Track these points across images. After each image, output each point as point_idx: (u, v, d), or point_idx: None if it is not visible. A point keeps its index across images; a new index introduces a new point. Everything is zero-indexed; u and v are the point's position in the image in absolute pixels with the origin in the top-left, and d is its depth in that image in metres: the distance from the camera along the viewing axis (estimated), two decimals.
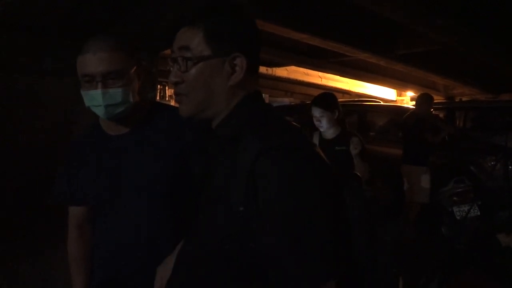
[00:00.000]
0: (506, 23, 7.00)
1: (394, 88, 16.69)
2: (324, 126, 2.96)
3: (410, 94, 16.70)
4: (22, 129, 2.33)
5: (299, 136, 0.97)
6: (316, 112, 2.96)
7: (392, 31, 8.17)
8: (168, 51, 1.29)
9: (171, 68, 0.99)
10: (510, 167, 5.14)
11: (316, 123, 2.98)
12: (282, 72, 12.83)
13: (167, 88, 10.89)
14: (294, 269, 0.82)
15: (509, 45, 7.95)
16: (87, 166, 1.44)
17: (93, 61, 1.29)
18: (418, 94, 5.52)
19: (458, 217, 4.08)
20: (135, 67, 1.37)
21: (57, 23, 2.27)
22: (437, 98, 15.31)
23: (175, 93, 1.00)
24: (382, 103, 8.90)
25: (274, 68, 12.32)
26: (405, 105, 10.48)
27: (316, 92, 3.33)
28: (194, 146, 1.38)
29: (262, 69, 12.00)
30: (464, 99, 13.44)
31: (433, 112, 5.52)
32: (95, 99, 1.32)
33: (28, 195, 2.30)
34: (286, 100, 13.51)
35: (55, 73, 2.39)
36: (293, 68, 12.66)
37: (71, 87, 2.45)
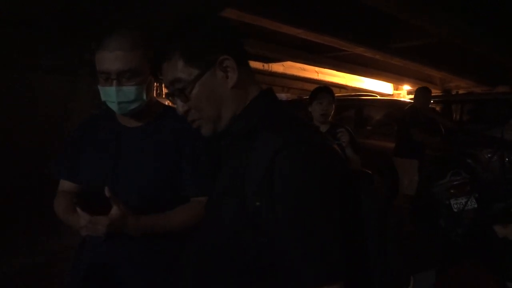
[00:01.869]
0: (502, 15, 7.01)
1: (391, 82, 16.71)
2: (328, 115, 2.92)
3: (406, 87, 16.73)
4: (18, 125, 2.33)
5: (315, 132, 0.98)
6: (325, 99, 2.92)
7: (388, 24, 8.17)
8: None
9: (173, 102, 1.01)
10: (507, 159, 5.16)
11: (321, 111, 2.90)
12: (279, 67, 12.83)
13: (163, 85, 10.90)
14: (303, 268, 0.82)
15: (506, 37, 7.96)
16: (92, 147, 1.48)
17: (109, 58, 1.31)
18: (416, 88, 5.53)
19: (455, 210, 4.09)
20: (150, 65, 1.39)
21: (56, 20, 2.27)
22: (434, 91, 15.30)
23: (190, 122, 1.01)
24: (378, 97, 8.90)
25: (270, 64, 12.33)
26: (402, 99, 10.49)
27: (313, 87, 3.33)
28: (200, 150, 1.41)
29: (259, 65, 11.99)
30: (460, 92, 13.47)
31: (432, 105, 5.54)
32: (109, 95, 1.35)
33: (25, 190, 2.31)
34: (283, 96, 13.53)
35: (52, 70, 2.39)
36: (289, 63, 12.66)
37: (69, 84, 2.46)
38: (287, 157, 0.85)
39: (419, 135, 4.88)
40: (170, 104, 1.21)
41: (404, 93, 17.11)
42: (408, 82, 15.05)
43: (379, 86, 17.14)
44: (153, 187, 1.40)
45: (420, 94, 5.00)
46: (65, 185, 1.53)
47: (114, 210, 1.24)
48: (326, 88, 3.06)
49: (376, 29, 8.23)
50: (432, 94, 5.65)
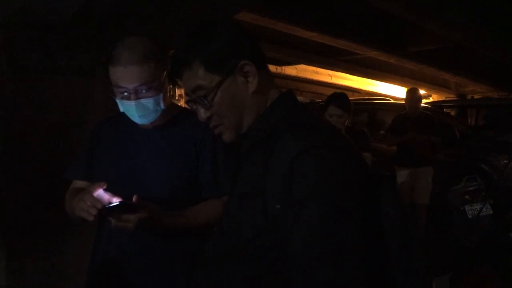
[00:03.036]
0: None
1: (405, 86, 16.57)
2: (340, 127, 2.86)
3: (421, 92, 16.56)
4: (30, 128, 2.35)
5: (337, 134, 0.98)
6: (336, 112, 2.89)
7: (402, 28, 8.11)
8: None
9: (194, 109, 1.02)
10: None
11: (333, 123, 2.85)
12: (292, 70, 12.80)
13: (176, 88, 10.95)
14: (322, 274, 0.81)
15: None
16: (110, 148, 1.49)
17: (124, 74, 1.31)
18: (431, 92, 5.45)
19: (470, 216, 4.04)
20: (165, 72, 1.40)
21: (69, 21, 2.29)
22: (449, 96, 15.18)
23: (212, 128, 1.02)
24: (392, 101, 8.84)
25: (283, 67, 12.31)
26: None
27: (326, 91, 3.32)
28: (219, 150, 1.43)
29: (272, 68, 11.99)
30: (476, 97, 13.31)
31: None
32: (129, 109, 1.37)
33: (36, 194, 2.33)
34: None
35: (65, 71, 2.41)
36: (303, 66, 12.63)
37: (81, 86, 2.48)
38: (307, 161, 0.85)
39: (390, 141, 4.81)
40: (185, 105, 1.22)
41: None
42: (422, 86, 14.89)
43: (393, 90, 17.02)
44: (172, 188, 1.42)
45: (407, 95, 4.85)
46: (79, 183, 1.55)
47: (143, 209, 1.26)
48: (335, 100, 2.98)
49: (391, 33, 8.18)
50: (447, 99, 5.56)
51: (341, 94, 3.11)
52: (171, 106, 1.52)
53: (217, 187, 1.43)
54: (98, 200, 1.26)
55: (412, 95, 4.81)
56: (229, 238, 0.97)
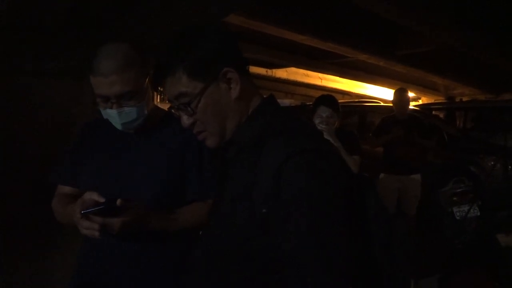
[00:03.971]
0: (507, 24, 7.01)
1: (394, 89, 16.69)
2: (328, 128, 2.82)
3: (410, 94, 16.69)
4: (20, 130, 2.33)
5: (322, 139, 1.00)
6: (325, 112, 2.86)
7: (392, 31, 8.18)
8: None
9: (178, 115, 1.03)
10: (510, 167, 5.15)
11: (321, 124, 2.83)
12: (282, 73, 12.84)
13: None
14: (311, 273, 0.83)
15: (511, 45, 7.95)
16: (95, 152, 1.48)
17: (106, 83, 1.30)
18: (420, 94, 5.38)
19: (458, 217, 4.08)
20: (147, 78, 1.40)
21: (59, 23, 2.28)
22: (438, 98, 15.32)
23: (196, 133, 1.03)
24: (382, 103, 8.92)
25: (274, 70, 12.34)
26: None
27: (316, 93, 3.32)
28: (204, 153, 1.42)
29: (262, 71, 12.02)
30: (464, 99, 13.44)
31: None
32: (111, 117, 1.37)
33: (22, 197, 2.31)
34: (286, 102, 13.53)
35: (55, 73, 2.39)
36: (293, 69, 12.67)
37: (71, 88, 2.46)
38: (295, 165, 0.86)
39: (375, 142, 4.55)
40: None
41: None
42: (412, 89, 15.01)
43: (382, 93, 17.13)
44: (157, 192, 1.41)
45: (395, 96, 4.61)
46: (65, 189, 1.53)
47: (127, 213, 1.25)
48: (325, 101, 2.96)
49: (381, 36, 8.24)
50: (436, 101, 5.57)
51: (329, 95, 3.10)
52: (156, 110, 1.51)
53: (202, 190, 1.43)
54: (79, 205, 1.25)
55: (400, 96, 4.57)
56: (219, 242, 0.98)
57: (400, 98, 4.55)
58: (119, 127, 1.39)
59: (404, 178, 4.39)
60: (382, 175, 4.48)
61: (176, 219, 1.39)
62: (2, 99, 2.30)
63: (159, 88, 1.03)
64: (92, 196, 1.25)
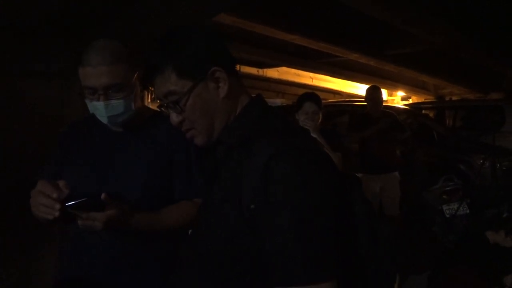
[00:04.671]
0: (495, 25, 7.09)
1: (385, 88, 16.79)
2: (314, 125, 2.80)
3: (400, 94, 16.81)
4: (12, 131, 2.32)
5: (307, 137, 1.02)
6: (312, 108, 2.86)
7: (382, 31, 8.23)
8: None
9: (166, 113, 1.05)
10: (498, 165, 5.21)
11: (306, 121, 2.81)
12: (273, 73, 12.86)
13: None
14: (296, 266, 0.84)
15: (499, 46, 8.04)
16: (81, 152, 1.47)
17: (94, 74, 1.31)
18: (411, 94, 5.31)
19: (447, 215, 4.12)
20: (136, 74, 1.40)
21: (49, 24, 2.27)
22: (428, 98, 15.44)
23: (184, 131, 1.04)
24: None
25: (265, 69, 12.35)
26: (396, 105, 10.55)
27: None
28: (192, 152, 1.42)
29: (253, 70, 12.03)
30: (454, 98, 13.57)
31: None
32: (98, 109, 1.37)
33: (15, 196, 2.29)
34: (278, 101, 13.56)
35: (43, 74, 2.38)
36: (284, 69, 12.69)
37: (59, 88, 2.45)
38: (282, 163, 0.87)
39: (360, 135, 4.32)
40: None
41: (398, 99, 17.20)
42: (402, 88, 15.13)
43: None
44: (145, 191, 1.40)
45: (367, 93, 4.48)
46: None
47: (111, 207, 1.24)
48: (311, 97, 2.96)
49: (371, 36, 8.28)
50: (426, 100, 5.59)
51: (313, 93, 3.10)
52: (143, 109, 1.52)
53: (190, 189, 1.43)
54: (55, 190, 1.20)
55: (373, 93, 4.43)
56: (208, 241, 0.98)
57: (373, 95, 4.43)
58: (105, 120, 1.38)
59: (384, 176, 4.33)
60: (361, 175, 4.25)
61: (162, 218, 1.39)
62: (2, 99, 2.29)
63: (149, 86, 1.05)
64: (60, 184, 1.22)
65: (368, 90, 4.53)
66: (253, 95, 1.10)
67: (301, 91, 15.38)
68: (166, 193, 1.44)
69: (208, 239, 0.99)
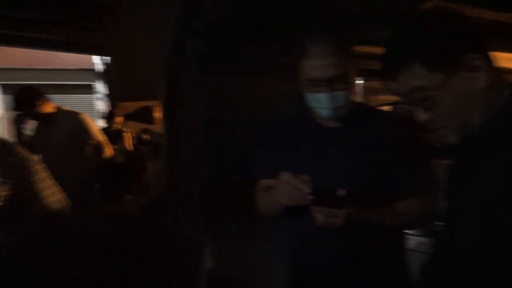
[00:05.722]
0: None
1: None
2: None
3: None
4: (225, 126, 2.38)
5: None
6: None
7: None
8: None
9: (407, 111, 0.97)
10: None
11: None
12: None
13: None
14: None
15: None
16: (294, 149, 1.48)
17: (319, 66, 1.33)
18: None
19: None
20: (354, 67, 1.41)
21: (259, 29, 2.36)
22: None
23: (432, 130, 0.94)
24: None
25: None
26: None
27: None
28: (407, 150, 1.40)
29: None
30: None
31: None
32: (321, 102, 1.37)
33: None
34: None
35: (247, 74, 2.46)
36: None
37: (260, 86, 2.44)
38: None
39: None
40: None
41: None
42: None
43: None
44: (363, 187, 1.37)
45: None
46: (266, 182, 1.52)
47: (347, 204, 1.24)
48: None
49: None
50: None
51: None
52: (356, 104, 1.49)
53: (416, 183, 1.40)
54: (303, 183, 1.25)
55: None
56: (467, 244, 0.87)
57: None
58: (326, 112, 1.38)
59: None
60: None
61: (390, 213, 1.38)
62: (212, 100, 2.38)
63: (387, 82, 0.95)
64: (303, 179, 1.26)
65: None
66: None
67: None
68: (385, 189, 1.40)
69: (471, 241, 0.86)
